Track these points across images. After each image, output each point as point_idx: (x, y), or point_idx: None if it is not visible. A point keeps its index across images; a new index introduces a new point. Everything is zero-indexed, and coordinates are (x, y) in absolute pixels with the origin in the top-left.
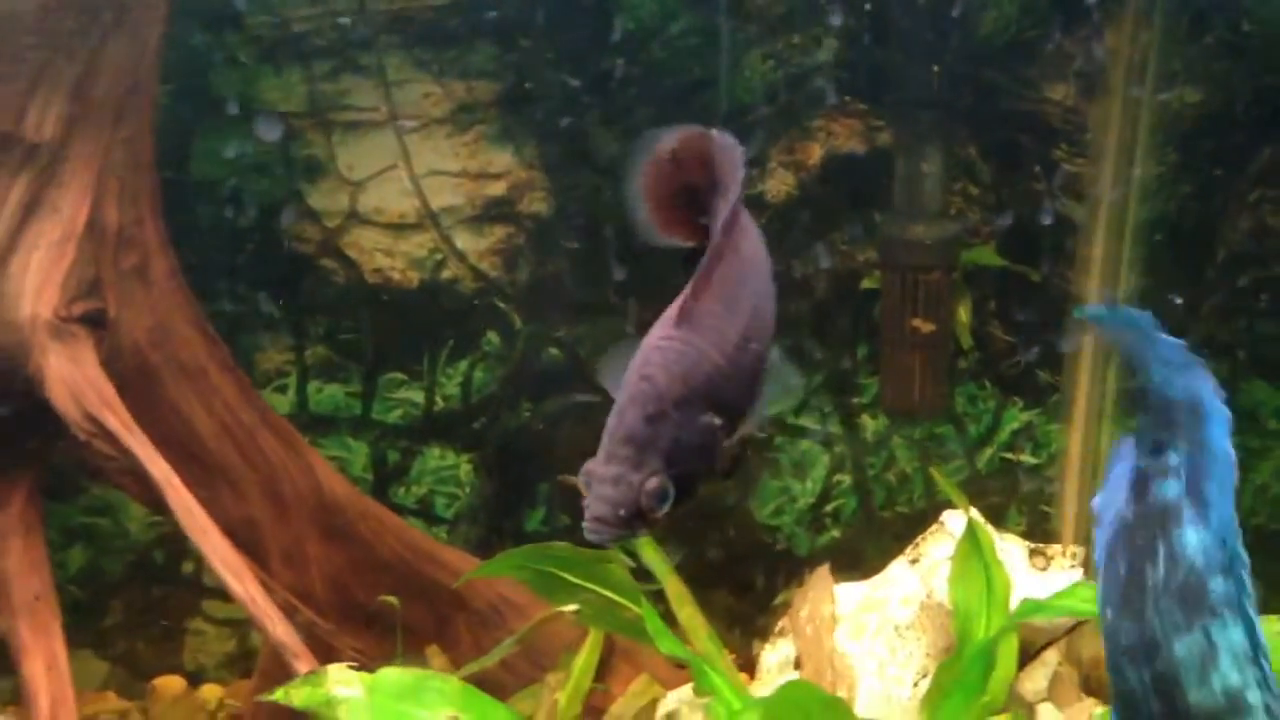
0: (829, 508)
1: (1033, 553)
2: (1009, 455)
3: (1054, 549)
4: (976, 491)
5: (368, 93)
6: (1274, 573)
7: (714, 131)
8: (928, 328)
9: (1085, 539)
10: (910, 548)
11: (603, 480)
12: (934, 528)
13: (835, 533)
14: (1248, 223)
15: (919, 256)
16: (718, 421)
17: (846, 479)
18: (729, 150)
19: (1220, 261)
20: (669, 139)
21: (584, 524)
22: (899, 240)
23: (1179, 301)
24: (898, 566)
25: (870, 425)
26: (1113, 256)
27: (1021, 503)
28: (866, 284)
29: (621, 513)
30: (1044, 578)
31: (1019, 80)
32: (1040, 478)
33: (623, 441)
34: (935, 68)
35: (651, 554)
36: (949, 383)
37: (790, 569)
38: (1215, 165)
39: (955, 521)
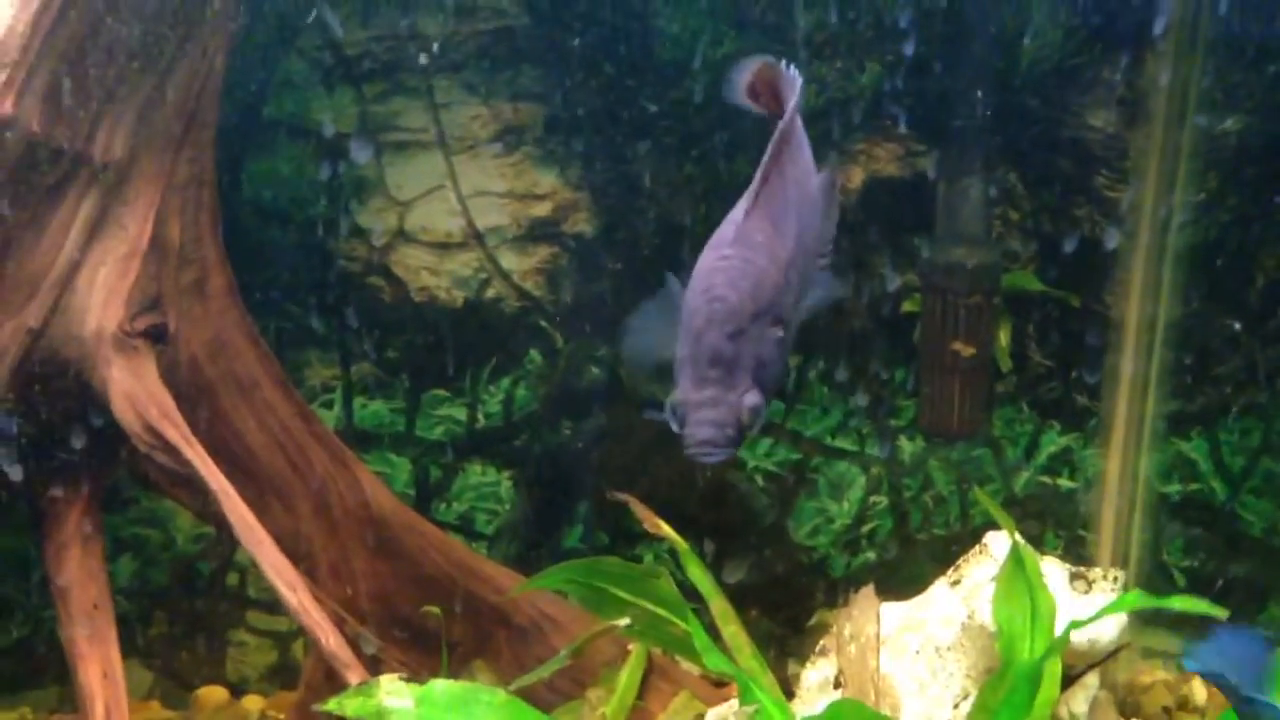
0: (865, 529)
1: (1074, 576)
2: (1046, 479)
3: (1095, 572)
4: (1014, 515)
5: (417, 114)
6: None
7: (782, 63)
8: (968, 351)
9: (1123, 562)
10: (952, 569)
11: (700, 404)
12: (976, 549)
13: (871, 554)
14: None
15: (960, 281)
16: (781, 333)
17: (883, 500)
18: (790, 81)
19: (1260, 288)
20: (748, 65)
21: (689, 450)
22: (940, 264)
23: (1223, 327)
24: (939, 588)
25: (908, 447)
26: (1153, 282)
27: (1059, 526)
28: (907, 307)
29: (729, 432)
30: (1086, 600)
31: (1061, 107)
32: (1077, 501)
33: (710, 363)
34: (979, 93)
35: (697, 571)
36: (988, 406)
37: (827, 590)
38: (1256, 192)
39: (998, 544)
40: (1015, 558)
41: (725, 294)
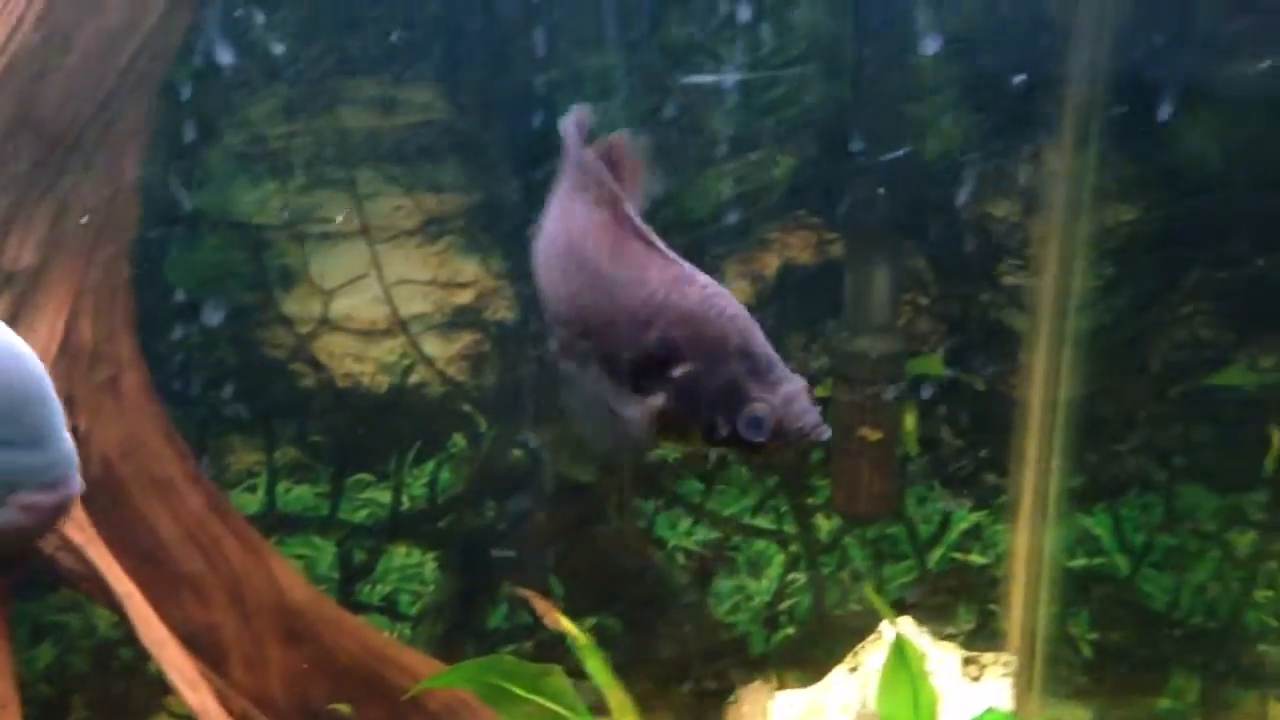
0: (784, 606)
1: (967, 661)
2: (958, 555)
3: (988, 657)
4: (928, 590)
5: (340, 205)
6: (1212, 668)
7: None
8: (875, 436)
9: (1030, 639)
10: (850, 655)
11: (794, 395)
12: (872, 637)
13: (790, 630)
14: (1182, 334)
15: (866, 369)
16: None
17: (801, 577)
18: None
19: (1156, 371)
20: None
21: (813, 432)
22: (848, 353)
23: (1121, 407)
24: (839, 673)
25: (825, 525)
26: (1054, 364)
27: (971, 601)
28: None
29: (821, 410)
30: (976, 688)
31: (965, 197)
32: (988, 577)
33: (772, 363)
34: (884, 186)
35: (595, 664)
36: (897, 486)
37: (747, 666)
38: (1150, 278)
39: (893, 631)
40: (897, 650)
41: (729, 305)
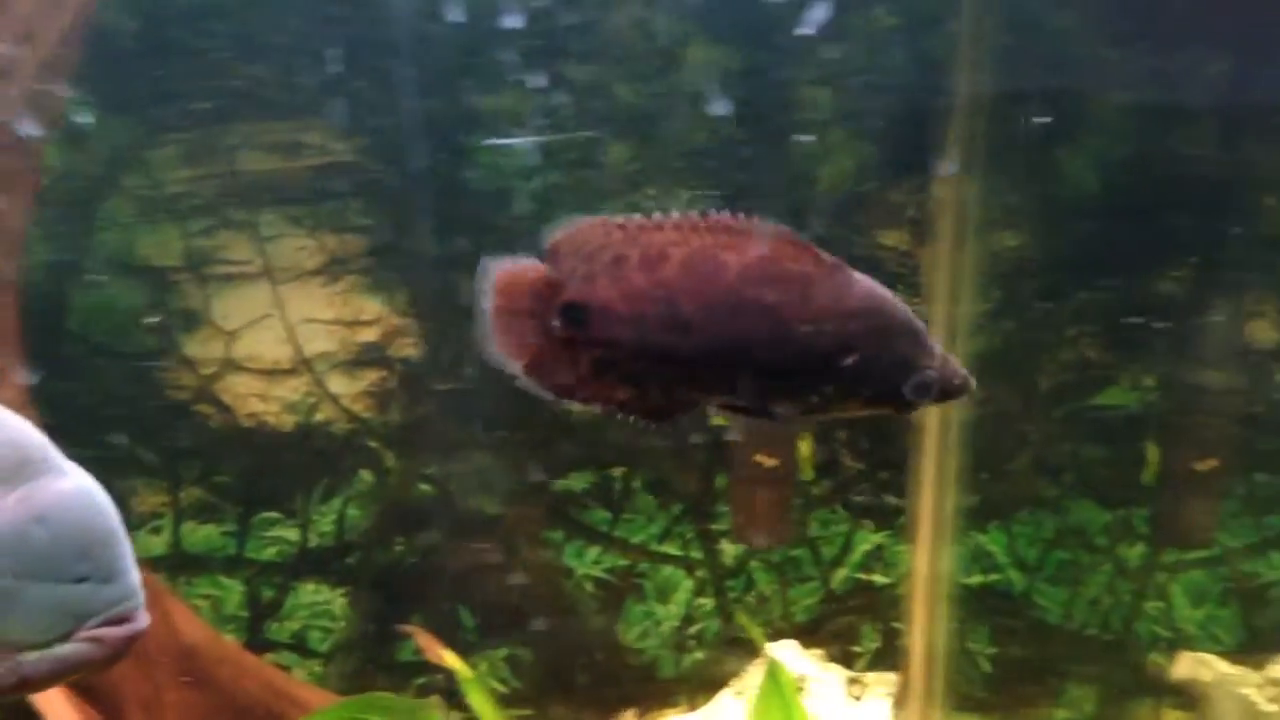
0: (692, 630)
1: (851, 681)
2: (862, 575)
3: (871, 677)
4: (833, 610)
5: (242, 247)
6: (1107, 678)
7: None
8: (770, 463)
9: (931, 655)
10: (736, 679)
11: (947, 358)
12: (758, 660)
13: (699, 654)
14: (1069, 355)
15: None
16: None
17: (708, 602)
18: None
19: (1045, 391)
20: None
21: (967, 384)
22: None
23: (1012, 427)
24: (726, 696)
25: (730, 550)
26: None
27: (875, 620)
28: (716, 421)
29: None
30: (858, 708)
31: (856, 228)
32: (891, 596)
33: (923, 331)
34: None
35: (478, 698)
36: (795, 513)
37: (657, 690)
38: (1036, 303)
39: (779, 654)
40: (771, 675)
41: (873, 285)
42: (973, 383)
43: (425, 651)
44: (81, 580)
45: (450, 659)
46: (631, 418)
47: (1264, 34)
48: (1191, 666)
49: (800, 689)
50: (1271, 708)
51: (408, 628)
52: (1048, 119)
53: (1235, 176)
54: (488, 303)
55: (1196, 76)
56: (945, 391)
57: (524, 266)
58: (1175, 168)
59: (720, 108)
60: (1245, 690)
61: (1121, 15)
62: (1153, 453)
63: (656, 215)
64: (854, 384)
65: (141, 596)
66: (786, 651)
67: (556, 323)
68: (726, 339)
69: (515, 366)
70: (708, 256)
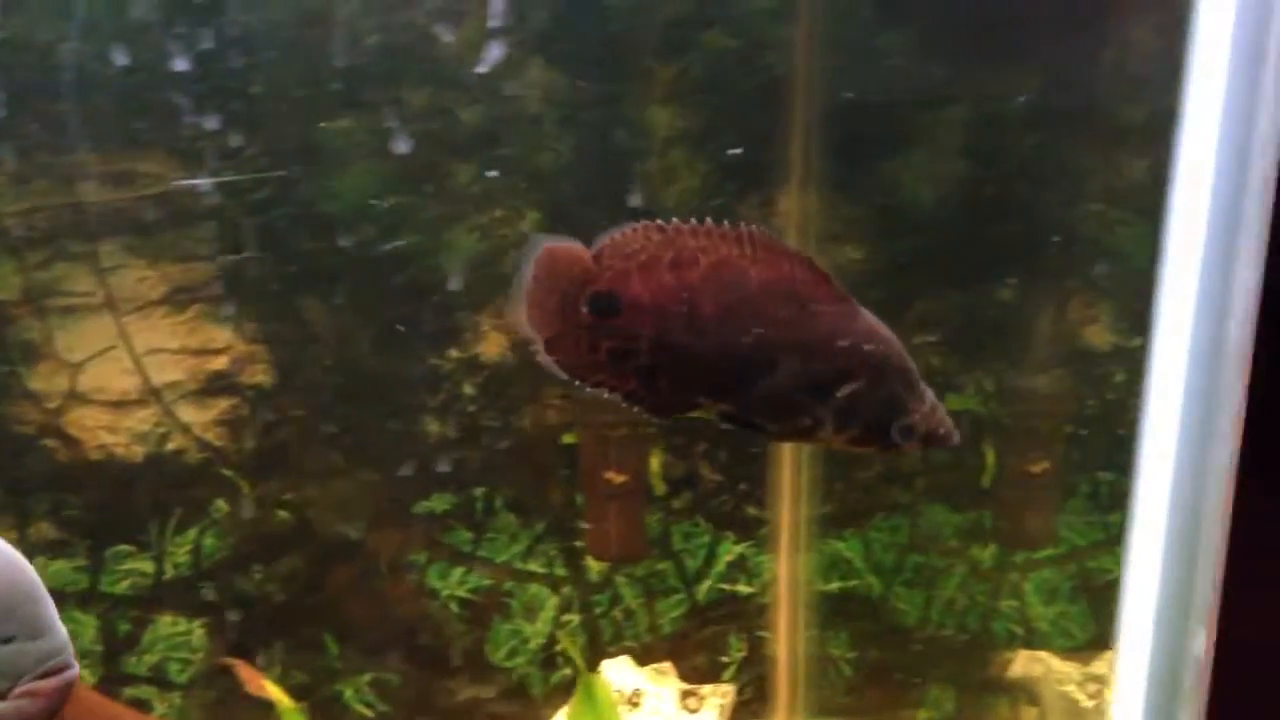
0: (560, 647)
1: (685, 694)
2: (726, 586)
3: (708, 689)
4: (699, 623)
5: (82, 278)
6: (965, 678)
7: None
8: (619, 479)
9: (795, 659)
10: (570, 701)
11: (936, 406)
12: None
13: (567, 670)
14: (915, 364)
15: (607, 412)
16: None
17: (575, 618)
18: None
19: None
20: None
21: (949, 436)
22: (588, 399)
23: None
24: (559, 717)
25: (595, 566)
26: None
27: (741, 630)
28: (566, 439)
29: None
30: (694, 718)
31: None
32: (755, 605)
33: (917, 376)
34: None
35: None
36: (659, 525)
37: (527, 709)
38: (880, 313)
39: (612, 672)
40: (585, 689)
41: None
42: (957, 436)
43: (247, 684)
44: (9, 640)
45: (273, 690)
46: (635, 407)
47: (1081, 44)
48: (1026, 664)
49: (636, 704)
50: (1089, 703)
51: (228, 660)
52: (882, 133)
53: (1061, 185)
54: (527, 273)
55: (1019, 88)
56: (929, 438)
57: (570, 248)
58: (1004, 178)
59: (563, 128)
60: (1067, 687)
61: (948, 32)
62: (990, 457)
63: (693, 221)
64: (845, 415)
65: (70, 649)
66: (620, 667)
67: (585, 308)
68: (737, 346)
69: (537, 340)
70: (733, 266)
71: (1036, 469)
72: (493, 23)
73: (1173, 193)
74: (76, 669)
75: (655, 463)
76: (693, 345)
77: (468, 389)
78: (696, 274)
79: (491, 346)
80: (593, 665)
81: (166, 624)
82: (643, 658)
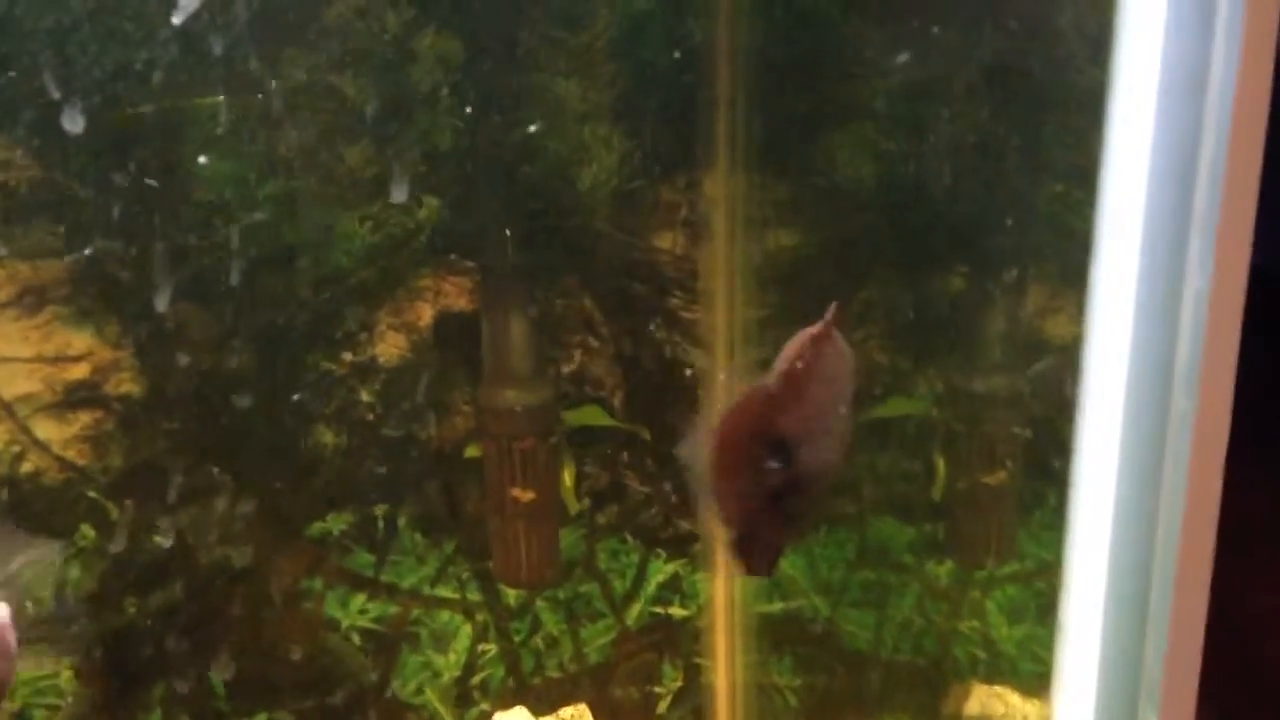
0: (476, 680)
1: None
2: (659, 609)
3: (568, 711)
4: (631, 649)
5: None
6: (924, 707)
7: None
8: (527, 497)
9: (730, 696)
10: None
11: None
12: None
13: (485, 705)
14: (857, 360)
15: (511, 425)
16: None
17: (492, 648)
18: None
19: None
20: None
21: None
22: (490, 409)
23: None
24: None
25: (511, 591)
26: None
27: (676, 655)
28: (469, 453)
29: None
30: None
31: (628, 230)
32: (691, 629)
33: None
34: (507, 232)
35: None
36: (582, 542)
37: None
38: (818, 304)
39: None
40: None
41: None
42: None
43: None
44: None
45: None
46: None
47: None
48: (985, 700)
49: None
50: None
51: None
52: (813, 107)
53: (1019, 161)
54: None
55: (968, 49)
56: None
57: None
58: (955, 151)
59: (463, 105)
60: None
61: None
62: (940, 466)
63: None
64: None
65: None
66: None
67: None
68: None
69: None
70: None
71: (993, 480)
72: None
73: (1107, 168)
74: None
75: (567, 477)
76: None
77: (364, 395)
78: None
79: (389, 348)
80: (519, 700)
81: (30, 667)
82: (567, 691)
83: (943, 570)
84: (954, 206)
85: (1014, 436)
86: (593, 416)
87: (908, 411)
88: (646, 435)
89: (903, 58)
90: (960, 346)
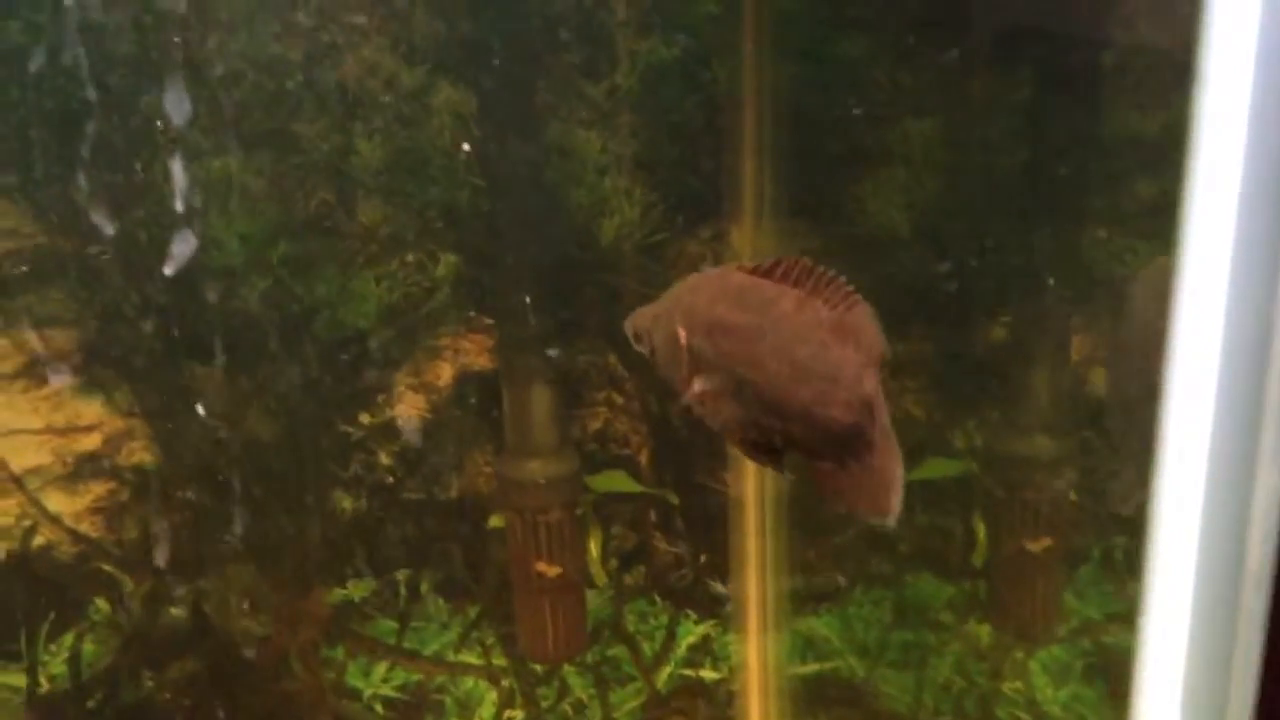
0: None
1: None
2: (689, 671)
3: None
4: (662, 713)
5: None
6: None
7: None
8: (553, 572)
9: None
10: None
11: None
12: None
13: None
14: (893, 412)
15: (535, 498)
16: None
17: (519, 715)
18: None
19: None
20: None
21: None
22: (513, 480)
23: None
24: None
25: None
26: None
27: None
28: (493, 522)
29: None
30: None
31: (647, 281)
32: (723, 692)
33: None
34: (527, 299)
35: None
36: (608, 606)
37: None
38: None
39: None
40: None
41: None
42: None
43: None
44: None
45: None
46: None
47: (1074, 45)
48: None
49: None
50: None
51: None
52: (844, 155)
53: (1060, 208)
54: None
55: (1003, 96)
56: None
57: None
58: (991, 196)
59: (479, 158)
60: None
61: (913, 34)
62: (982, 530)
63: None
64: None
65: None
66: None
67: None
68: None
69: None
70: None
71: (1033, 546)
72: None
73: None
74: None
75: (594, 547)
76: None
77: (383, 458)
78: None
79: (409, 408)
80: None
81: None
82: None
83: (983, 629)
84: (993, 255)
85: (1061, 491)
86: (619, 483)
87: (944, 473)
88: (674, 500)
89: (934, 103)
90: (1003, 398)
